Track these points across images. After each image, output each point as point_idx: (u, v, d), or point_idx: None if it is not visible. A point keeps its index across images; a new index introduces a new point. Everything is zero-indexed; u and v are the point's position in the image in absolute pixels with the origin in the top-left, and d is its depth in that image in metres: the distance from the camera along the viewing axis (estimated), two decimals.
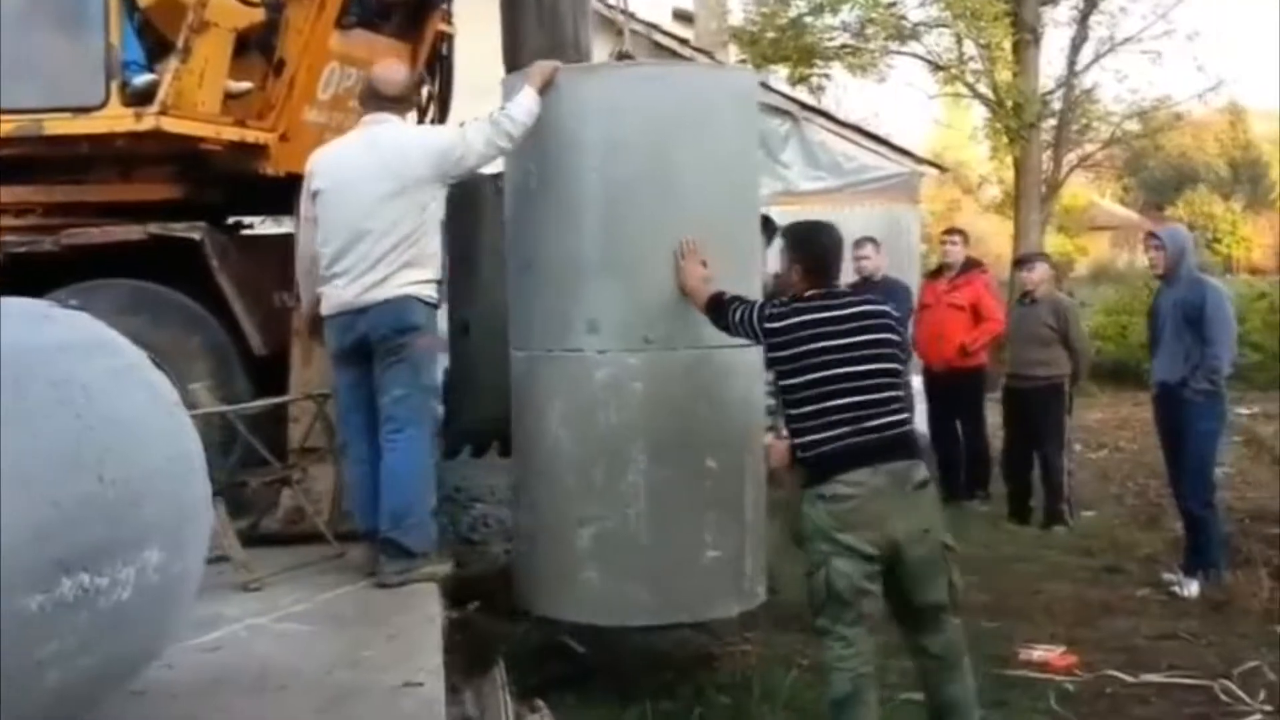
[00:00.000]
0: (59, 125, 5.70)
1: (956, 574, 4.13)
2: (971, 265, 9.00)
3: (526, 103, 4.55)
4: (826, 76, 17.57)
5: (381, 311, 4.63)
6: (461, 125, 4.86)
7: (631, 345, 4.61)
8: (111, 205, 6.04)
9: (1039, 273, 8.48)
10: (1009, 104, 16.97)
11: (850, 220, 15.40)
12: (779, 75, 17.59)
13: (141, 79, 5.65)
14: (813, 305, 4.10)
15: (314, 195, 4.77)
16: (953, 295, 8.77)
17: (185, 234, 5.80)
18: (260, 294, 6.06)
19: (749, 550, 4.76)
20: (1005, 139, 17.50)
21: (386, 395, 4.68)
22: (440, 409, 5.41)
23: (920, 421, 11.19)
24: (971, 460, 8.83)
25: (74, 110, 5.70)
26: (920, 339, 8.96)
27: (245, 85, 6.00)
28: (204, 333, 5.91)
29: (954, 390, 8.73)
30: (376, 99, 4.85)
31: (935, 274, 9.26)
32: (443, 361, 5.53)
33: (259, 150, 6.04)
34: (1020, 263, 8.75)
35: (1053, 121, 18.20)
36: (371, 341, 4.68)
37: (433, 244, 4.76)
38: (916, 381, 8.63)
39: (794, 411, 4.03)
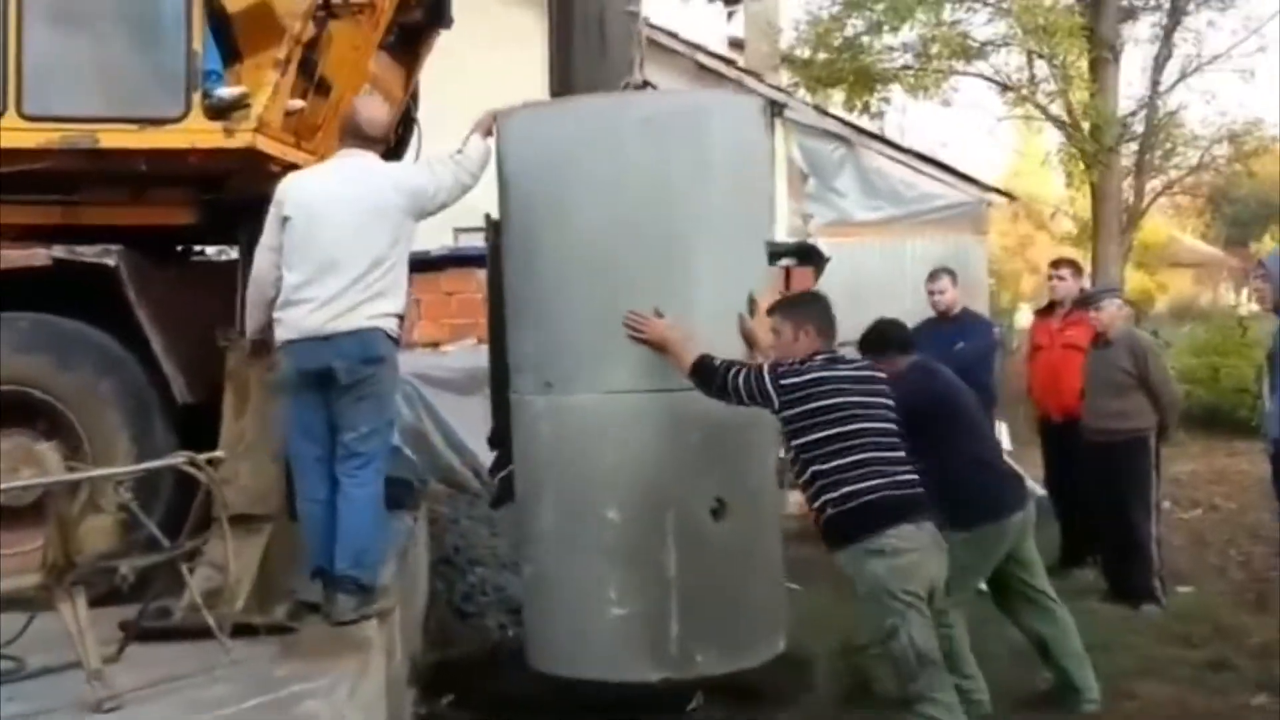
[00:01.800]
0: (119, 138, 4.95)
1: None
2: (1087, 300, 7.74)
3: (481, 144, 4.82)
4: (886, 100, 16.47)
5: (350, 341, 4.46)
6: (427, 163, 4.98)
7: (537, 389, 4.85)
8: (109, 229, 5.20)
9: (1109, 312, 7.18)
10: (1085, 127, 15.78)
11: (911, 252, 14.61)
12: (834, 100, 16.57)
13: (227, 91, 5.03)
14: (826, 364, 4.26)
15: (283, 222, 4.57)
16: (1067, 334, 7.64)
17: (97, 259, 4.90)
18: (190, 331, 5.13)
19: (675, 613, 4.56)
20: (1081, 165, 16.27)
21: (352, 431, 4.51)
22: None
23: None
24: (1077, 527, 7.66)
25: (145, 122, 4.98)
26: (1035, 386, 8.03)
27: (299, 104, 5.40)
28: (118, 376, 5.00)
29: (1078, 443, 7.35)
30: (356, 136, 4.76)
31: (1046, 311, 8.15)
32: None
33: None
34: (1086, 301, 7.50)
35: (1134, 146, 16.99)
36: (336, 372, 4.46)
37: (401, 278, 4.65)
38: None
39: (824, 466, 4.07)
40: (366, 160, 4.72)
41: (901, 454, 4.18)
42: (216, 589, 4.41)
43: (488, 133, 4.90)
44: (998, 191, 15.76)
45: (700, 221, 4.71)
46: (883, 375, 4.41)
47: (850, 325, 14.99)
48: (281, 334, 4.55)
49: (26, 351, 4.84)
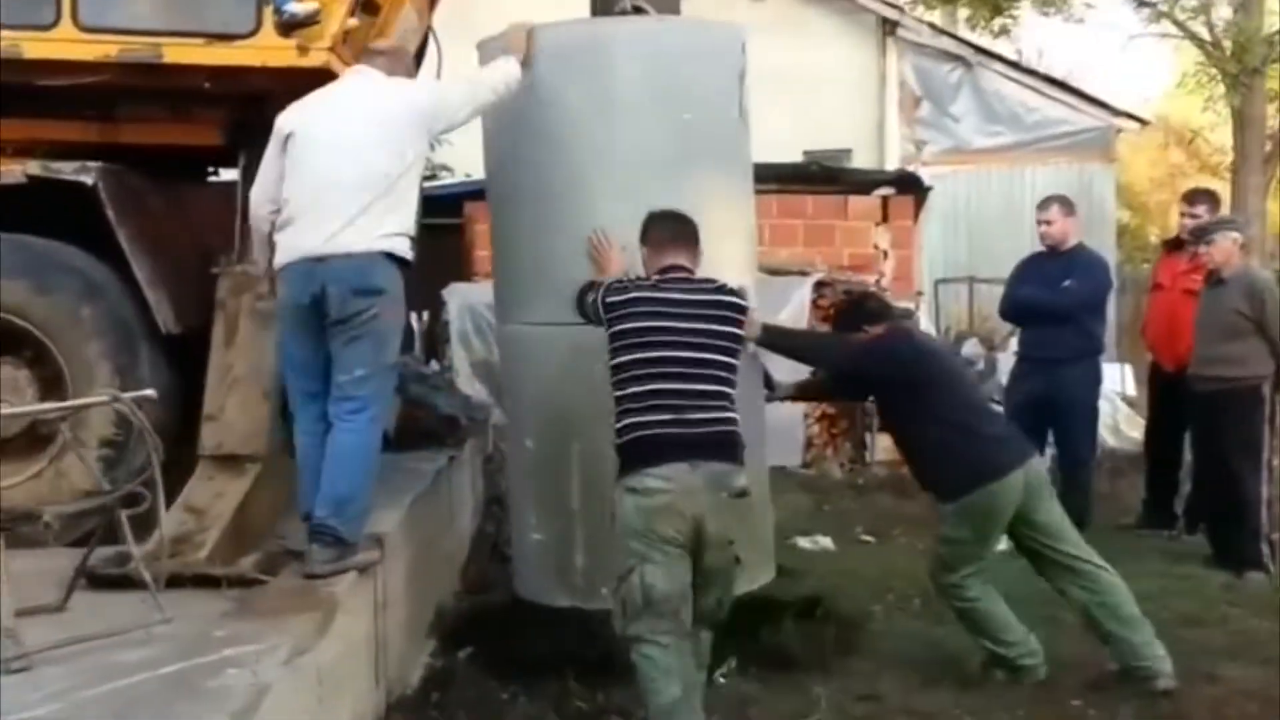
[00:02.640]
0: (184, 53, 4.74)
1: (730, 594, 4.07)
2: (1199, 234, 6.78)
3: (508, 68, 4.46)
4: (1013, 17, 15.43)
5: (345, 266, 4.11)
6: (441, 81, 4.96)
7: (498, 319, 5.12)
8: (149, 149, 5.03)
9: (1221, 247, 6.35)
10: (1228, 46, 14.54)
11: (1031, 182, 13.74)
12: (957, 18, 15.62)
13: (299, 6, 4.79)
14: (657, 284, 4.01)
15: (285, 141, 4.27)
16: (1193, 277, 6.77)
17: (73, 177, 4.60)
18: (183, 256, 4.82)
19: (579, 544, 4.54)
20: (1222, 88, 15.05)
21: (345, 373, 4.17)
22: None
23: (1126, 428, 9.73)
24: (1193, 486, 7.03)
25: (213, 37, 4.77)
26: (1149, 329, 7.39)
27: (354, 22, 5.09)
28: (101, 303, 4.71)
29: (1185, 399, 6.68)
30: (368, 51, 4.56)
31: (1173, 247, 7.30)
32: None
33: None
34: (1199, 234, 6.57)
35: None
36: (329, 300, 4.11)
37: (409, 195, 4.31)
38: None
39: (620, 392, 3.89)
40: (372, 76, 4.41)
41: (716, 389, 3.89)
42: (187, 534, 4.11)
43: (517, 48, 4.52)
44: (1129, 116, 14.68)
45: (602, 155, 4.54)
46: (738, 301, 4.04)
47: (967, 259, 14.26)
48: (277, 258, 4.25)
49: (3, 275, 4.58)
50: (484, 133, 4.90)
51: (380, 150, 4.20)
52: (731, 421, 3.92)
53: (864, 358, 4.76)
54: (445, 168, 11.89)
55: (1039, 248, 7.04)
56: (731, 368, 3.97)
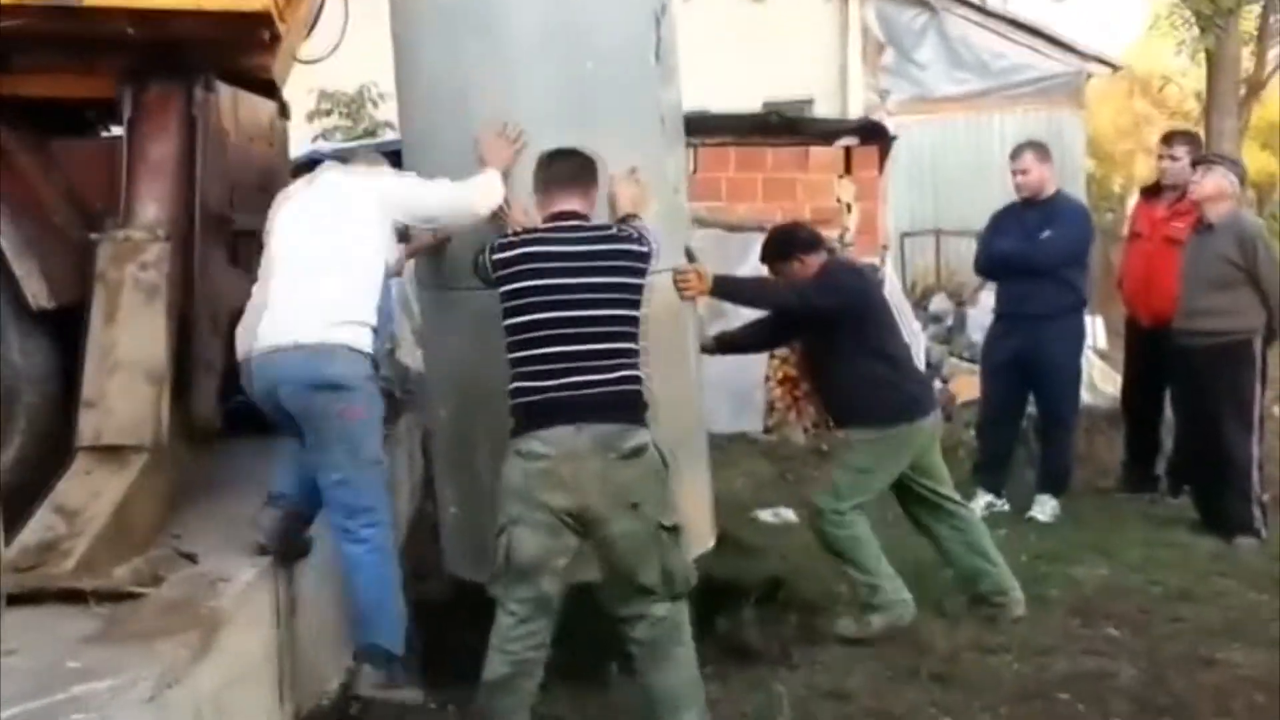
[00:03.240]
0: None
1: (678, 560, 3.76)
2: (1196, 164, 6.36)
3: (491, 185, 3.96)
4: None
5: (296, 360, 3.75)
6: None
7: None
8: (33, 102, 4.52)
9: (1213, 181, 5.95)
10: None
11: (1000, 129, 13.29)
12: None
13: None
14: (543, 237, 3.73)
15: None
16: (1173, 225, 6.41)
17: None
18: (55, 221, 4.28)
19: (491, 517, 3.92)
20: (1196, 30, 14.59)
21: (324, 476, 3.86)
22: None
23: (1100, 383, 9.38)
24: (1176, 447, 6.64)
25: None
26: (1126, 280, 6.95)
27: None
28: None
29: (1167, 352, 6.28)
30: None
31: (1152, 193, 6.85)
32: None
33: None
34: (1196, 164, 6.18)
35: (1256, 8, 15.20)
36: (284, 401, 3.79)
37: (371, 283, 3.94)
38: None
39: (510, 355, 3.70)
40: (346, 169, 4.19)
41: (610, 346, 3.67)
42: (54, 541, 3.60)
43: (496, 159, 4.00)
44: (1099, 61, 14.24)
45: (502, 114, 4.04)
46: (632, 248, 3.74)
47: (933, 211, 13.82)
48: (238, 353, 3.95)
49: None
50: (396, 91, 4.44)
51: (338, 233, 3.91)
52: (628, 380, 3.69)
53: (815, 292, 4.67)
54: (389, 124, 11.38)
55: (1010, 199, 6.60)
56: (629, 320, 3.72)
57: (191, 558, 3.78)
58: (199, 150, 4.41)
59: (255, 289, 3.96)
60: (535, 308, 3.62)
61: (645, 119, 4.25)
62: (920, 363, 9.41)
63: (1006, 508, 6.51)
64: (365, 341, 3.85)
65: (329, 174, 4.14)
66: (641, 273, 3.75)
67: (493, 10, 4.07)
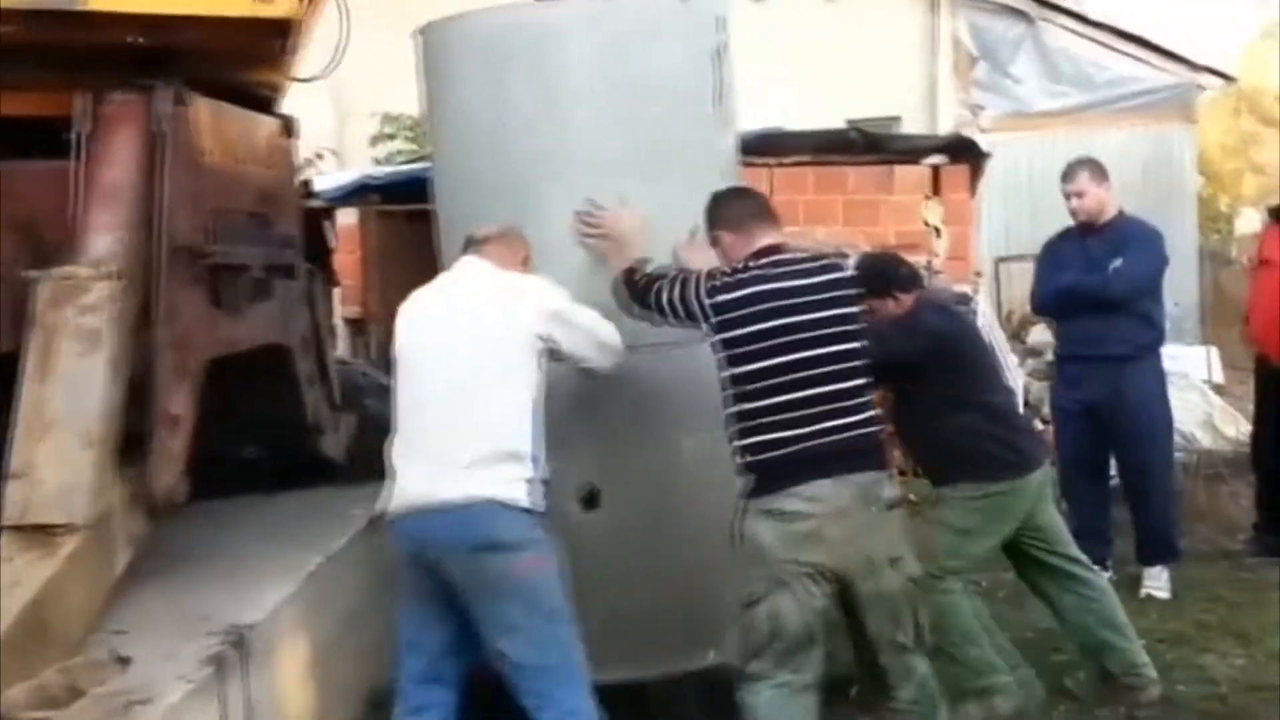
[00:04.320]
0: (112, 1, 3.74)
1: (923, 613, 3.53)
2: None
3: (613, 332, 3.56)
4: None
5: (452, 521, 3.22)
6: None
7: None
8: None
9: None
10: None
11: (1104, 147, 12.26)
12: None
13: None
14: (766, 274, 3.39)
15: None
16: None
17: None
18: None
19: None
20: None
21: (500, 638, 3.27)
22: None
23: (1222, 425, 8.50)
24: None
25: None
26: (1254, 312, 6.29)
27: None
28: None
29: None
30: (473, 241, 3.59)
31: None
32: None
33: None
34: None
35: None
36: (442, 564, 3.27)
37: (526, 425, 3.33)
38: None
39: (743, 407, 3.35)
40: (485, 269, 3.51)
41: (854, 385, 3.40)
42: None
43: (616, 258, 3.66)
44: (1212, 72, 13.24)
45: (551, 159, 3.86)
46: (845, 277, 3.55)
47: (1030, 234, 12.88)
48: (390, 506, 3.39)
49: None
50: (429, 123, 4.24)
51: (490, 363, 3.35)
52: (871, 422, 3.43)
53: (894, 334, 4.15)
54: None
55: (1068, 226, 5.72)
56: (860, 355, 3.43)
57: (125, 662, 3.13)
58: (164, 172, 3.78)
59: (399, 414, 3.42)
60: (775, 351, 3.32)
61: (703, 165, 3.94)
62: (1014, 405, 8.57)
63: (1114, 579, 5.67)
64: (522, 496, 3.25)
65: (474, 272, 3.52)
66: (857, 300, 3.52)
67: (544, 50, 3.87)
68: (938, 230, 9.03)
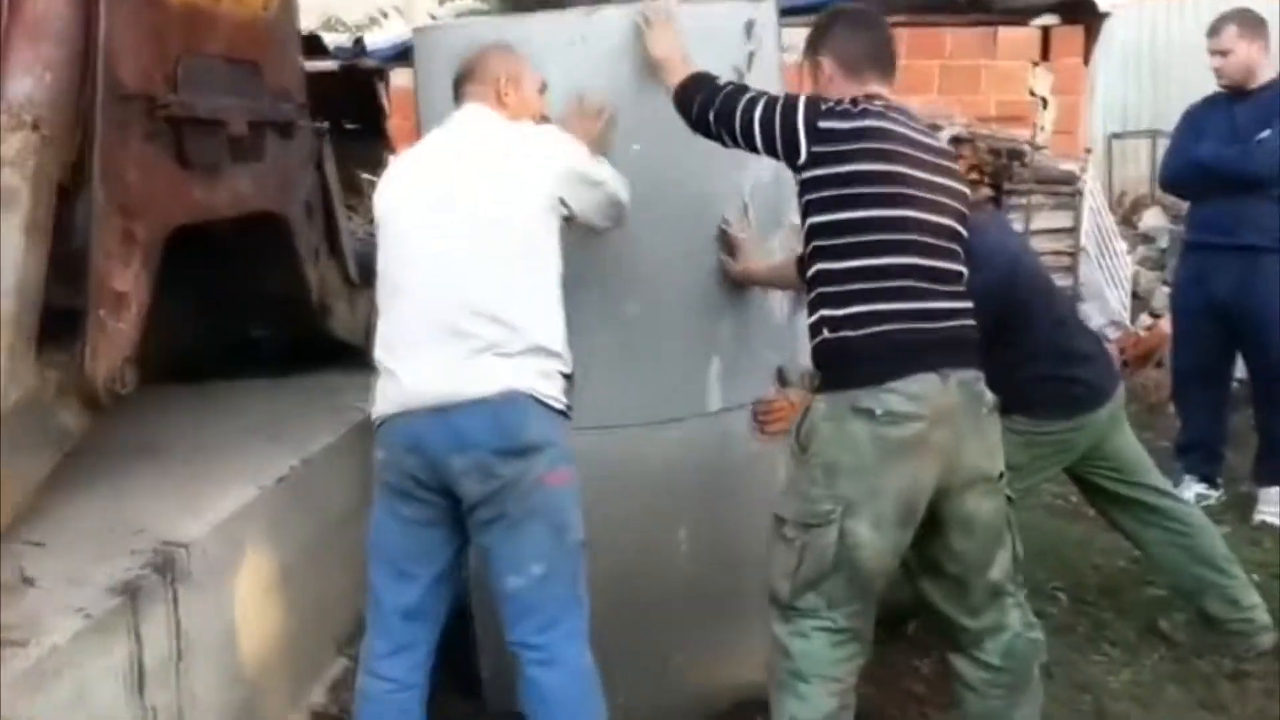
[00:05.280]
0: None
1: (1019, 542, 2.88)
2: None
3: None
4: None
5: (482, 414, 2.70)
6: None
7: None
8: None
9: None
10: None
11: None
12: None
13: None
14: (880, 113, 2.76)
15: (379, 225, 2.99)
16: None
17: None
18: None
19: None
20: None
21: (517, 574, 2.76)
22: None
23: None
24: None
25: None
26: None
27: None
28: None
29: None
30: (467, 76, 3.08)
31: None
32: None
33: None
34: None
35: None
36: (455, 472, 2.72)
37: (553, 307, 2.85)
38: None
39: (830, 266, 2.70)
40: (486, 118, 2.99)
41: (953, 267, 2.77)
42: None
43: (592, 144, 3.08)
44: None
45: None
46: (954, 165, 2.91)
47: (1151, 108, 11.85)
48: (376, 407, 2.87)
49: None
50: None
51: (504, 238, 2.81)
52: (969, 313, 2.81)
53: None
54: None
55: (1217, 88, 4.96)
56: (964, 241, 2.84)
57: (30, 582, 2.64)
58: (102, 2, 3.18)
59: (381, 300, 2.91)
60: (882, 200, 2.69)
61: (718, 206, 3.38)
62: (1120, 297, 7.82)
63: (1223, 499, 5.01)
64: (557, 392, 2.79)
65: (473, 123, 2.99)
66: (966, 207, 2.89)
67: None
68: (1045, 101, 8.30)
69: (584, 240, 3.07)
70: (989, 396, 2.83)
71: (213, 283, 4.59)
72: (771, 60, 3.45)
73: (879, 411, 2.64)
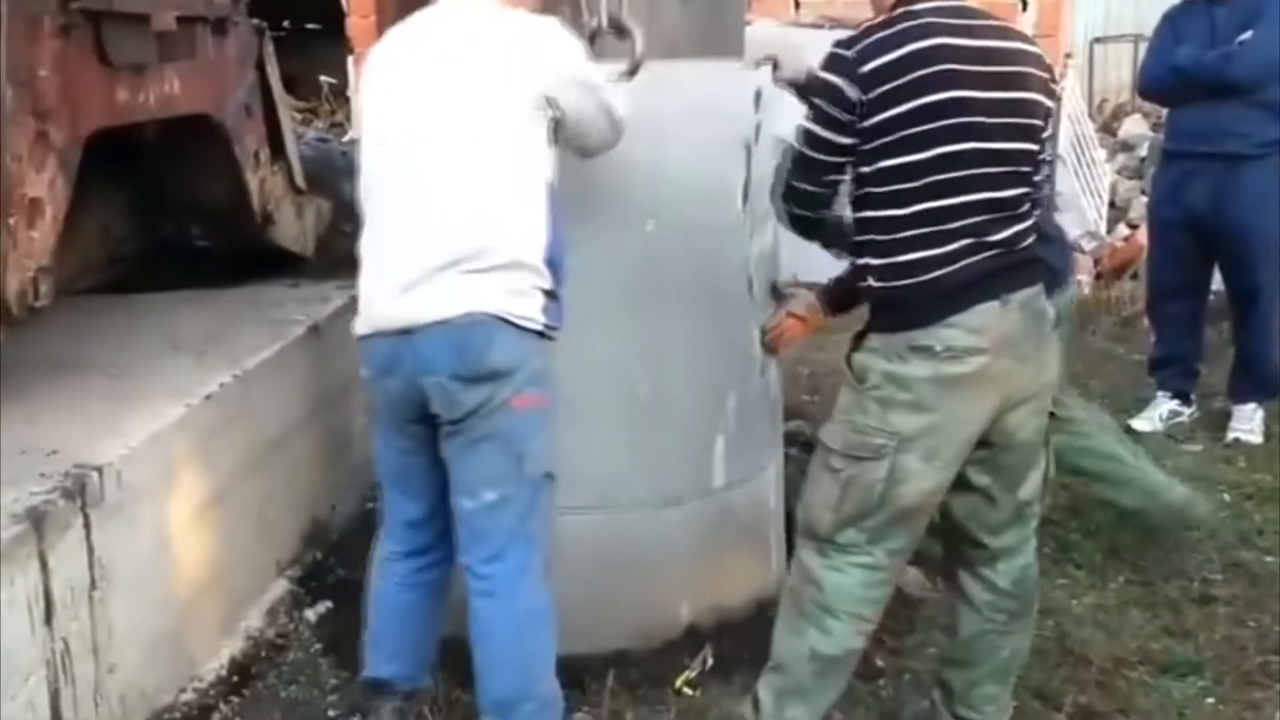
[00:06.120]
0: None
1: (1052, 463, 2.77)
2: None
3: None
4: None
5: (442, 338, 2.53)
6: None
7: None
8: None
9: None
10: None
11: None
12: None
13: None
14: (931, 25, 2.48)
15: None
16: None
17: None
18: None
19: None
20: None
21: (469, 497, 2.62)
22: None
23: None
24: None
25: None
26: None
27: None
28: None
29: None
30: None
31: None
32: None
33: None
34: None
35: None
36: (426, 392, 2.56)
37: (538, 217, 2.62)
38: None
39: (889, 213, 2.52)
40: (477, 3, 2.71)
41: (1020, 193, 2.57)
42: None
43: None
44: None
45: None
46: (1039, 54, 2.61)
47: (1134, 12, 11.60)
48: (356, 325, 2.70)
49: None
50: None
51: (498, 144, 2.60)
52: (1034, 232, 2.63)
53: None
54: None
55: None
56: (1038, 161, 2.61)
57: None
58: None
59: (364, 199, 2.70)
60: (956, 133, 2.46)
61: (726, 283, 3.23)
62: (1097, 207, 7.67)
63: (1195, 416, 4.91)
64: (536, 311, 2.58)
65: (469, 11, 2.71)
66: (1053, 95, 2.65)
67: None
68: (1024, 3, 8.02)
69: (600, 318, 2.97)
70: (1050, 312, 2.68)
71: (147, 190, 4.41)
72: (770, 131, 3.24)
73: (939, 348, 2.50)
